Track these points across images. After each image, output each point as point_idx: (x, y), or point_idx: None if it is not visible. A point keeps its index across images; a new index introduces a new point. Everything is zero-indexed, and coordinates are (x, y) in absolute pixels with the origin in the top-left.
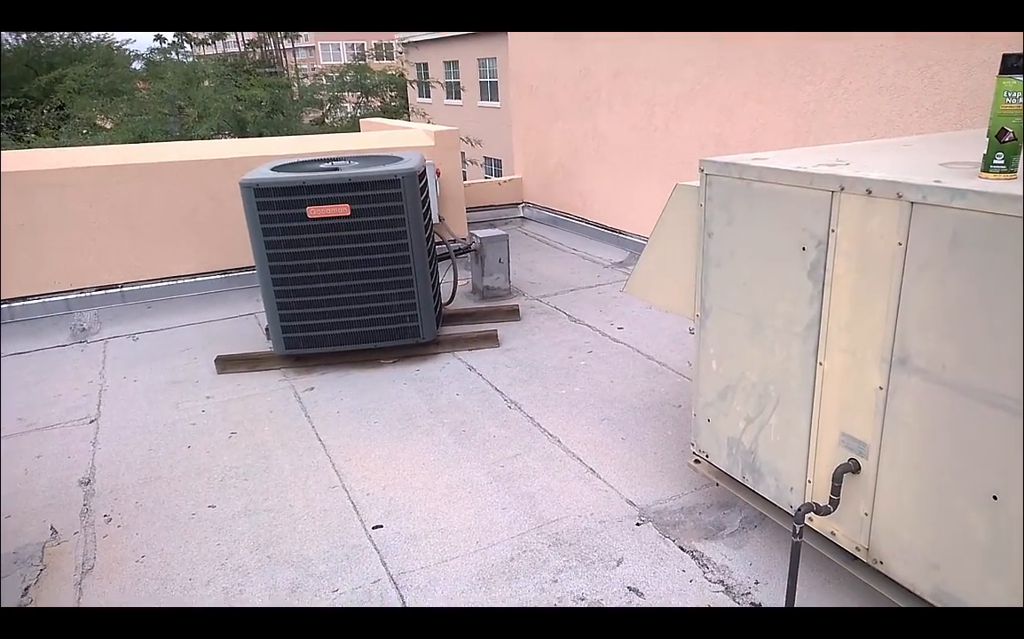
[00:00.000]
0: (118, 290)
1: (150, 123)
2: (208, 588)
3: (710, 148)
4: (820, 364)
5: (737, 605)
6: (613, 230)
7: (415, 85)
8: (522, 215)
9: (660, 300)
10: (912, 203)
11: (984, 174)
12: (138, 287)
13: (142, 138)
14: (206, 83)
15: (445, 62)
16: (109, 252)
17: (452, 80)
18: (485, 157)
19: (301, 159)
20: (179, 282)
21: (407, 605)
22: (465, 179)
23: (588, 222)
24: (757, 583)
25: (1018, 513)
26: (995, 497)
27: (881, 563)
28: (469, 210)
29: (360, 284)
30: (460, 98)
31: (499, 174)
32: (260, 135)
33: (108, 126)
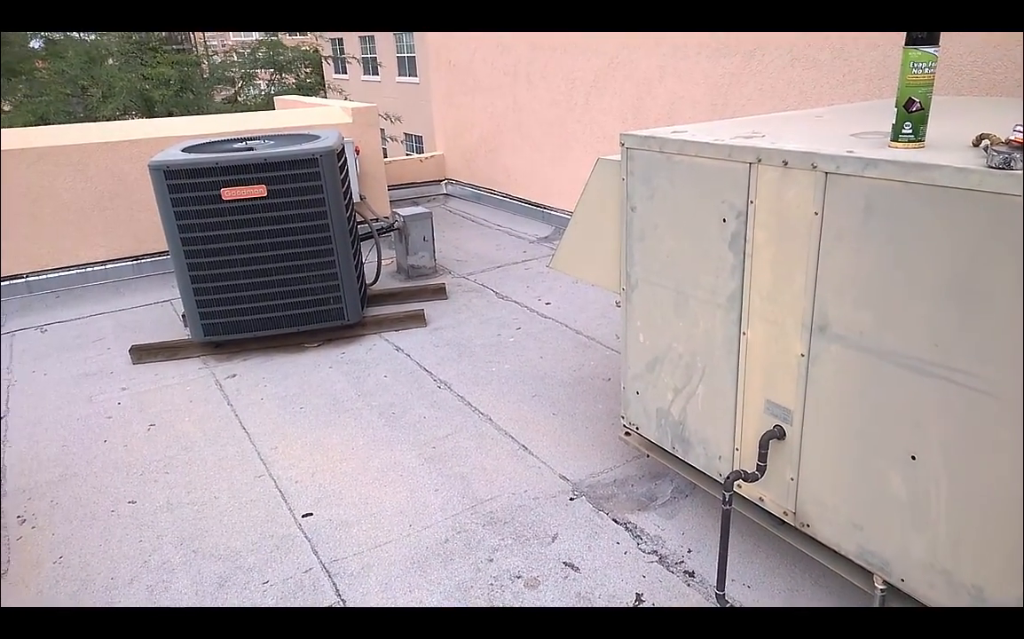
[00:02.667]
0: (23, 280)
1: (52, 104)
2: (131, 587)
3: (630, 122)
4: (744, 334)
5: (672, 574)
6: (537, 205)
7: (331, 61)
8: (445, 192)
9: (586, 275)
10: (826, 173)
11: (893, 144)
12: (44, 276)
13: (44, 120)
14: (110, 61)
15: (361, 37)
16: (11, 240)
17: (369, 56)
18: (406, 134)
19: (213, 139)
20: (89, 270)
21: (341, 593)
22: (386, 156)
23: (512, 198)
24: (690, 551)
25: (935, 471)
26: (913, 457)
27: (808, 526)
28: (391, 188)
29: (280, 267)
30: (378, 74)
31: (420, 151)
32: (169, 115)
33: (7, 108)
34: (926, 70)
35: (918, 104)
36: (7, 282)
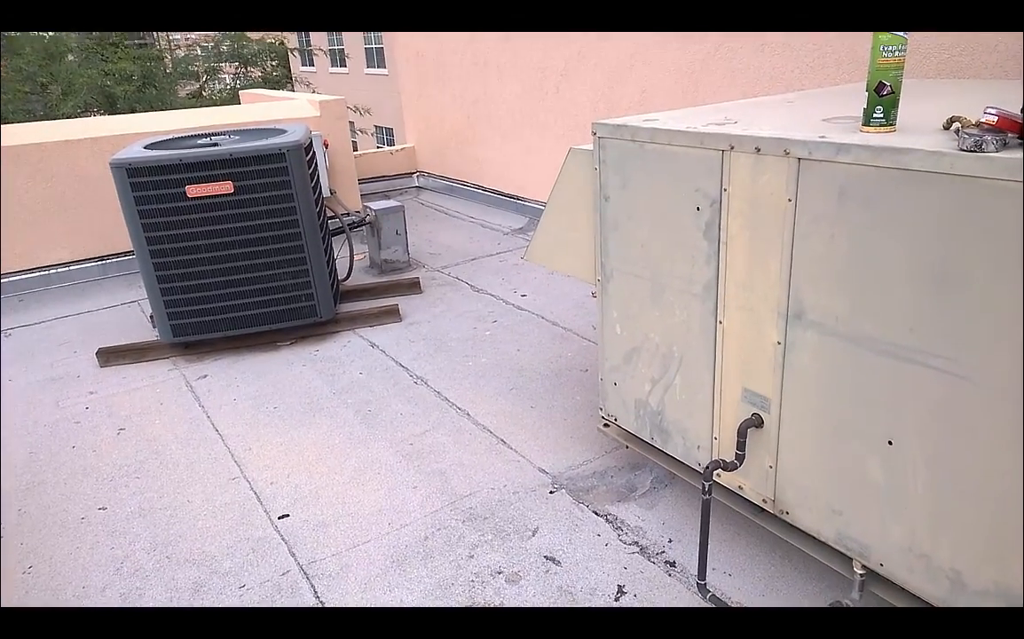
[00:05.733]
0: None
1: (10, 102)
2: (104, 595)
3: (602, 110)
4: (720, 323)
5: (653, 564)
6: (511, 196)
7: (297, 53)
8: (417, 185)
9: (561, 266)
10: (799, 159)
11: (865, 128)
12: (6, 279)
13: (2, 119)
14: (70, 58)
15: None
16: None
17: (336, 48)
18: (376, 126)
19: (177, 135)
20: (51, 272)
21: (319, 594)
22: (356, 150)
23: (485, 189)
24: (671, 541)
25: (912, 456)
26: (890, 442)
27: (787, 513)
28: (361, 182)
29: (250, 265)
30: (346, 66)
31: (391, 143)
32: (132, 111)
33: None
34: (896, 53)
35: (889, 88)
36: None
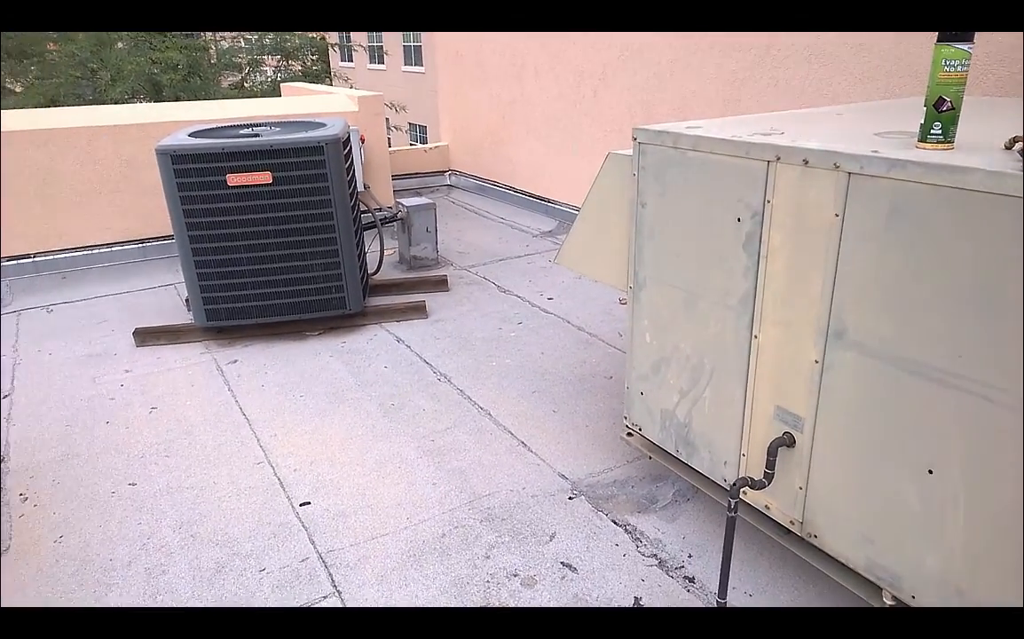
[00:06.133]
0: (31, 260)
1: (62, 86)
2: (130, 569)
3: (639, 116)
4: (755, 337)
5: (671, 579)
6: (542, 199)
7: (337, 48)
8: (449, 183)
9: (592, 271)
10: (850, 174)
11: (921, 144)
12: (52, 257)
13: (53, 102)
14: (120, 45)
15: None
16: (20, 220)
17: (375, 44)
18: (410, 123)
19: (220, 125)
20: (95, 252)
21: (336, 583)
22: (390, 146)
23: (516, 190)
24: (690, 557)
25: (954, 487)
26: (931, 471)
27: (815, 537)
28: (395, 178)
29: (283, 254)
30: (383, 63)
31: (424, 141)
32: (177, 99)
33: (18, 90)
34: (959, 68)
35: (949, 103)
36: (15, 261)
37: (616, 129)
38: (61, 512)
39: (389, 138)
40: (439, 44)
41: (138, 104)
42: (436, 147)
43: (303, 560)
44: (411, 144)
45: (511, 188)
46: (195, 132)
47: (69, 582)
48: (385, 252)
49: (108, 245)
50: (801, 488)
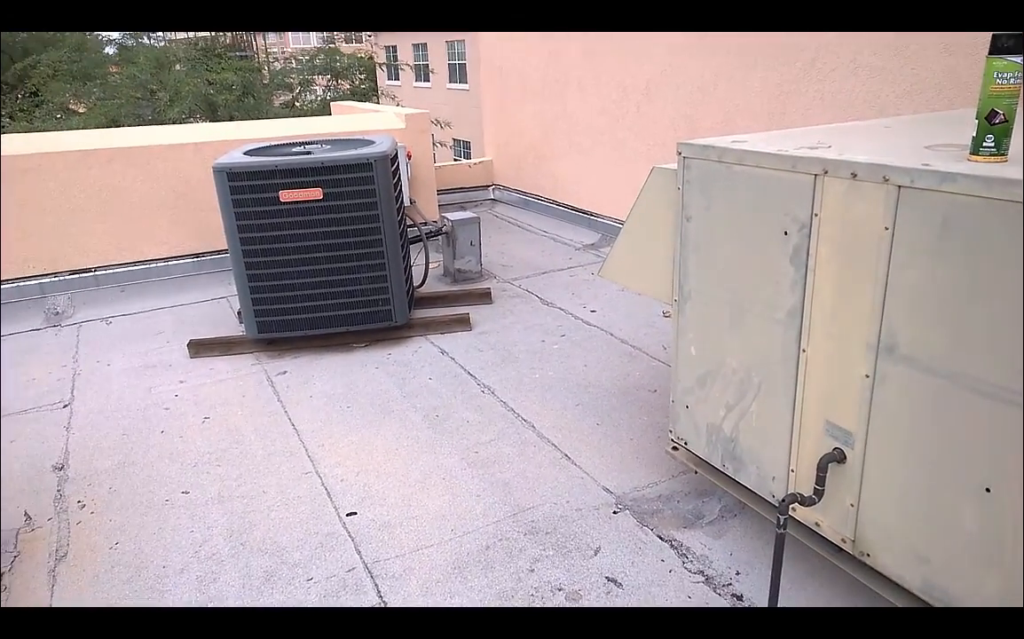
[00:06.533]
0: (91, 274)
1: (122, 107)
2: (182, 576)
3: (682, 131)
4: (803, 351)
5: (718, 596)
6: (585, 212)
7: (384, 68)
8: (492, 197)
9: (637, 284)
10: (899, 187)
11: (973, 157)
12: (111, 271)
13: (115, 122)
14: (177, 67)
15: (414, 44)
16: (82, 236)
17: (421, 63)
18: (454, 139)
19: (273, 143)
20: (152, 266)
21: (382, 593)
22: (435, 161)
23: (559, 204)
24: (738, 574)
25: (1012, 506)
26: (988, 489)
27: (868, 555)
28: (440, 192)
29: (332, 267)
30: (429, 81)
31: (468, 156)
32: (231, 118)
33: (81, 110)
34: (1011, 80)
35: (1001, 116)
36: (78, 275)
37: (659, 143)
38: (117, 519)
39: (434, 154)
40: (483, 60)
41: (196, 124)
42: (480, 162)
43: (350, 570)
44: (455, 159)
45: (554, 202)
46: (249, 150)
47: (123, 589)
48: (430, 265)
49: (164, 259)
50: (852, 505)
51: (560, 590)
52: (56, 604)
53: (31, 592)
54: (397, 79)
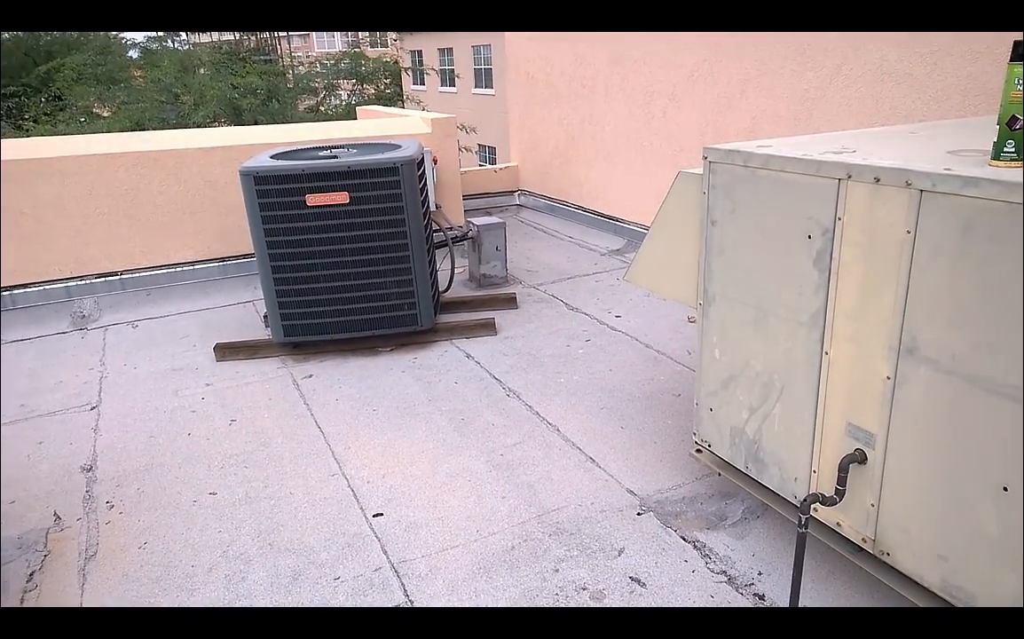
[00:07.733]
0: (118, 277)
1: (147, 111)
2: (210, 575)
3: (709, 136)
4: (826, 354)
5: (741, 595)
6: (610, 217)
7: (410, 72)
8: (518, 202)
9: (662, 288)
10: (922, 191)
11: (995, 162)
12: (137, 274)
13: (139, 126)
14: (202, 71)
15: (440, 49)
16: (108, 240)
17: (447, 67)
18: (479, 144)
19: (300, 147)
20: (178, 269)
21: (408, 593)
22: (461, 166)
23: (585, 209)
24: (760, 574)
25: None
26: (1006, 488)
27: (888, 555)
28: (465, 197)
29: (359, 272)
30: (455, 85)
31: (493, 161)
32: (256, 122)
33: (105, 114)
34: None
35: (1022, 121)
36: (104, 278)
37: (685, 148)
38: (145, 520)
39: (460, 159)
40: (510, 65)
41: (222, 128)
42: (506, 167)
43: (376, 570)
44: (480, 164)
45: (580, 207)
46: (276, 154)
47: (152, 587)
48: (456, 270)
49: (190, 263)
50: (873, 505)
51: (584, 589)
52: (87, 601)
53: (62, 590)
54: (423, 84)
